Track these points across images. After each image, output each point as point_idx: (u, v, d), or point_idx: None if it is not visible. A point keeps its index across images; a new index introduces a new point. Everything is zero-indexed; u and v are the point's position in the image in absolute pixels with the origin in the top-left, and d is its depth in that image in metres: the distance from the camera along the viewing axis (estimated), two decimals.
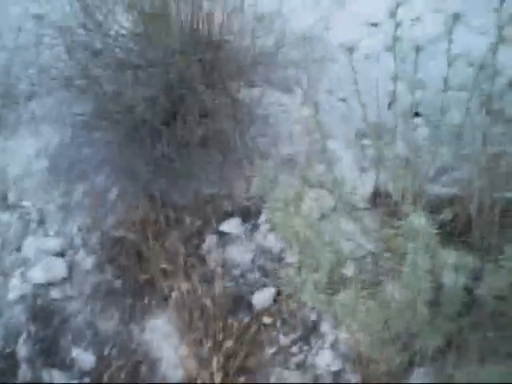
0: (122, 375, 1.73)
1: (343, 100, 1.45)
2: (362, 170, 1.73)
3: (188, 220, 1.97)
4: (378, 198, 1.70)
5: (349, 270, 1.50)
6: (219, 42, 1.96)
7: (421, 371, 1.46)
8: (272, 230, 1.44)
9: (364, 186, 1.70)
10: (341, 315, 1.30)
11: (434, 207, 1.63)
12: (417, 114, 1.71)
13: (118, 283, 1.93)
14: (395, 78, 1.35)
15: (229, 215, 1.96)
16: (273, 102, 1.98)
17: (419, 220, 1.03)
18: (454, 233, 1.57)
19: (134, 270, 1.92)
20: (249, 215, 1.91)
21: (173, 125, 1.88)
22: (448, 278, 1.47)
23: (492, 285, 1.20)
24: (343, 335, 1.57)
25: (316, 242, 1.45)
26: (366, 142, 1.66)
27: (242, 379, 1.64)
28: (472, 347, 1.38)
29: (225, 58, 1.96)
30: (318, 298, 1.38)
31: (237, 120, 1.86)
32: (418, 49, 1.38)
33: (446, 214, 1.61)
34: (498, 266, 1.22)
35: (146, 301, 1.88)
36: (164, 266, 1.86)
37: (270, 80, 2.01)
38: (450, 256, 1.46)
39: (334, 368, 1.59)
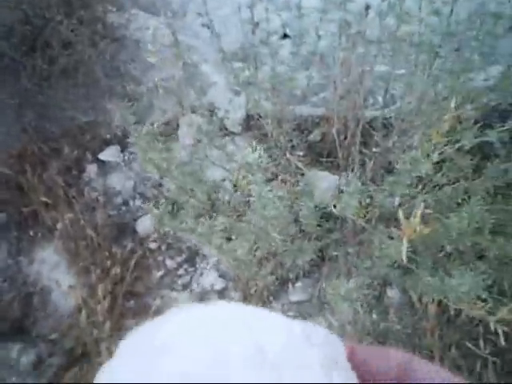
0: (15, 306, 1.75)
1: (210, 24, 1.42)
2: (235, 93, 1.74)
3: (66, 150, 1.93)
4: (250, 121, 1.72)
5: (220, 196, 1.54)
6: None
7: (297, 285, 1.56)
8: (145, 161, 1.44)
9: (236, 110, 1.72)
10: (215, 239, 1.35)
11: (303, 128, 1.68)
12: (285, 36, 1.72)
13: (2, 217, 1.90)
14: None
15: (107, 143, 1.94)
16: (142, 26, 1.92)
17: (253, 155, 1.05)
18: (323, 153, 1.63)
19: (16, 204, 1.89)
20: (127, 143, 1.89)
21: (33, 57, 1.79)
22: (318, 199, 1.55)
23: (350, 204, 1.26)
24: (222, 257, 1.64)
25: (188, 169, 1.47)
26: (237, 65, 1.66)
27: (130, 303, 1.69)
28: (340, 262, 1.49)
29: None
30: (196, 222, 1.43)
31: (101, 48, 1.79)
32: None
33: (315, 135, 1.67)
34: (357, 187, 1.29)
35: (31, 233, 1.87)
36: (44, 198, 1.83)
37: (139, 3, 1.94)
38: (316, 177, 1.54)
39: (218, 287, 1.67)
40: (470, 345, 1.45)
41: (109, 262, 1.74)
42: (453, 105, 1.12)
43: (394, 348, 0.37)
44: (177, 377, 0.28)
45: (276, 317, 0.33)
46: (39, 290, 1.80)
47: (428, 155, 1.22)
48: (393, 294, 1.51)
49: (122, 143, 1.91)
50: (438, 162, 1.35)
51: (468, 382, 0.35)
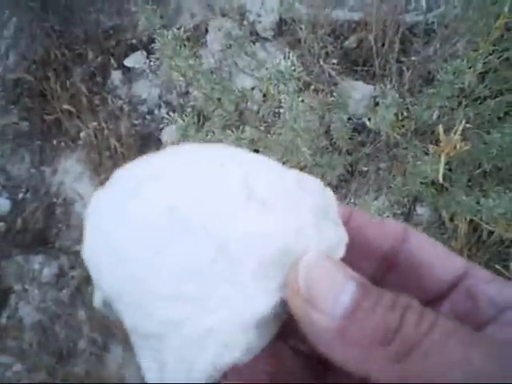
0: (38, 217, 1.75)
1: None
2: None
3: (90, 55, 1.86)
4: (282, 26, 1.62)
5: (249, 106, 1.48)
6: None
7: None
8: (171, 68, 1.37)
9: (268, 14, 1.62)
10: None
11: (338, 34, 1.58)
12: None
13: (24, 126, 1.87)
14: None
15: (133, 49, 1.86)
16: None
17: (285, 62, 0.98)
18: (359, 61, 1.54)
19: (39, 112, 1.85)
20: (153, 49, 1.81)
21: None
22: (351, 110, 1.48)
23: (386, 117, 1.20)
24: None
25: (216, 77, 1.41)
26: None
27: None
28: (370, 178, 1.44)
29: None
30: (222, 133, 1.39)
31: None
32: None
33: (351, 42, 1.57)
34: (395, 98, 1.22)
35: (54, 142, 1.84)
36: (68, 106, 1.79)
37: None
38: (350, 87, 1.46)
39: None
40: (499, 266, 1.41)
41: None
42: (506, 9, 1.02)
43: (391, 219, 0.35)
44: (162, 201, 0.28)
45: (271, 162, 0.32)
46: (62, 200, 1.79)
47: (472, 65, 1.14)
48: (423, 211, 1.46)
49: (148, 49, 1.82)
50: (481, 73, 1.27)
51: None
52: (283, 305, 0.28)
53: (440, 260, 0.33)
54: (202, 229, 0.27)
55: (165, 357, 0.27)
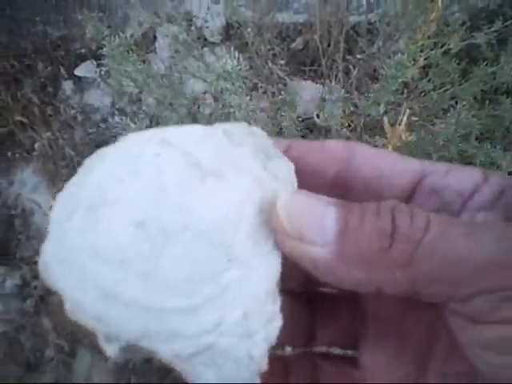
0: None
1: None
2: (213, 0, 1.65)
3: (40, 66, 1.85)
4: (230, 30, 1.65)
5: (201, 109, 1.49)
6: None
7: None
8: (120, 75, 1.37)
9: (215, 19, 1.64)
10: None
11: (285, 36, 1.61)
12: None
13: None
14: None
15: (82, 58, 1.85)
16: None
17: (232, 62, 1.00)
18: (306, 62, 1.57)
19: None
20: (102, 57, 1.81)
21: None
22: (301, 109, 1.50)
23: (333, 113, 1.22)
24: None
25: (167, 82, 1.42)
26: None
27: None
28: None
29: None
30: None
31: None
32: None
33: (297, 43, 1.60)
34: (341, 94, 1.25)
35: (9, 154, 1.82)
36: (20, 118, 1.77)
37: None
38: (299, 87, 1.49)
39: None
40: None
41: None
42: (439, 3, 1.06)
43: (333, 141, 0.33)
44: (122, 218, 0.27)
45: (196, 128, 0.31)
46: (20, 212, 1.77)
47: (414, 59, 1.18)
48: None
49: (98, 58, 1.82)
50: (424, 67, 1.31)
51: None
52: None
53: (393, 168, 0.32)
54: (182, 229, 0.27)
55: (221, 362, 0.27)
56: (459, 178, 0.31)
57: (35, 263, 1.48)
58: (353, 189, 0.32)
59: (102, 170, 0.29)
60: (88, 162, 0.31)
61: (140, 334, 0.26)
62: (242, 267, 0.27)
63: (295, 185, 0.30)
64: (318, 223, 0.27)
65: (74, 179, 0.30)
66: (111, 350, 0.28)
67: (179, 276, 0.26)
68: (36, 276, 1.62)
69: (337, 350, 0.36)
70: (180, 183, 0.28)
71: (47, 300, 1.58)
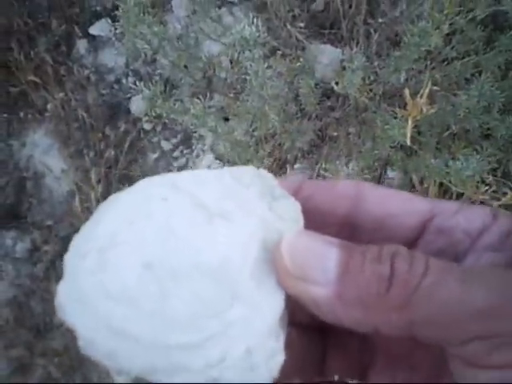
0: (8, 192, 1.72)
1: None
2: None
3: (54, 24, 1.81)
4: None
5: (217, 73, 1.46)
6: None
7: (296, 167, 1.52)
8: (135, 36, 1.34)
9: None
10: (211, 120, 1.29)
11: None
12: None
13: None
14: None
15: (97, 16, 1.81)
16: None
17: (250, 28, 0.97)
18: (326, 25, 1.53)
19: (3, 84, 1.80)
20: (118, 16, 1.77)
21: None
22: (319, 75, 1.46)
23: (353, 81, 1.19)
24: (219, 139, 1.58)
25: (182, 44, 1.38)
26: None
27: (125, 187, 1.65)
28: (340, 143, 1.44)
29: None
30: (193, 102, 1.36)
31: None
32: None
33: (318, 4, 1.55)
34: (361, 62, 1.21)
35: (21, 115, 1.80)
36: (33, 78, 1.75)
37: None
38: (317, 51, 1.45)
39: (214, 167, 1.63)
40: None
41: (102, 145, 1.69)
42: None
43: (343, 180, 0.34)
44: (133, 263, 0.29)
45: (205, 172, 0.33)
46: (32, 174, 1.76)
47: (438, 26, 1.13)
48: (393, 175, 1.47)
49: (113, 16, 1.78)
50: (447, 34, 1.26)
51: None
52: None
53: (402, 207, 0.33)
54: (189, 269, 0.28)
55: None
56: (468, 218, 0.32)
57: (46, 227, 1.49)
58: (362, 228, 0.33)
59: (114, 213, 0.31)
60: (101, 207, 0.32)
61: (148, 369, 0.28)
62: (246, 305, 0.28)
63: (301, 223, 0.31)
64: (320, 264, 0.28)
65: (89, 223, 0.32)
66: (122, 381, 0.29)
67: (185, 313, 0.28)
68: (47, 241, 1.63)
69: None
70: (187, 225, 0.29)
71: (57, 265, 1.59)
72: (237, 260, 0.29)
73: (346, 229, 0.33)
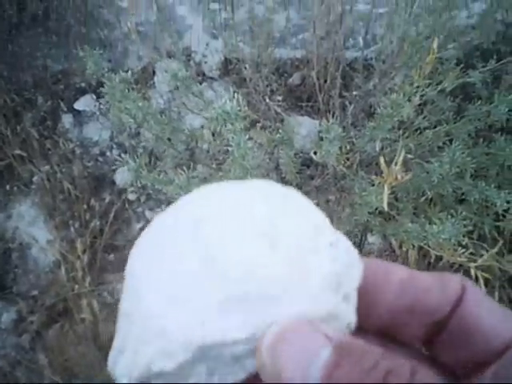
0: None
1: None
2: (212, 36, 1.68)
3: (40, 100, 1.87)
4: (228, 65, 1.67)
5: (199, 145, 1.50)
6: None
7: None
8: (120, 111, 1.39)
9: (213, 54, 1.66)
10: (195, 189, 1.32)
11: (282, 72, 1.63)
12: None
13: None
14: None
15: (82, 92, 1.87)
16: None
17: (231, 103, 1.02)
18: (303, 98, 1.59)
19: None
20: (102, 92, 1.82)
21: (0, 3, 1.72)
22: (298, 146, 1.51)
23: (330, 151, 1.23)
24: None
25: (166, 118, 1.43)
26: (213, 6, 1.59)
27: (110, 257, 1.67)
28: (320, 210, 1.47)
29: None
30: (177, 173, 1.40)
31: None
32: None
33: (295, 79, 1.62)
34: (338, 133, 1.26)
35: (7, 187, 1.83)
36: (19, 151, 1.78)
37: None
38: (296, 123, 1.50)
39: None
40: None
41: (87, 215, 1.72)
42: (435, 45, 1.08)
43: (398, 264, 0.33)
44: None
45: (304, 201, 0.33)
46: (18, 245, 1.77)
47: (409, 98, 1.19)
48: (373, 240, 1.50)
49: (97, 92, 1.84)
50: (419, 105, 1.32)
51: None
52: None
53: (494, 326, 0.30)
54: (239, 273, 0.27)
55: None
56: None
57: (32, 297, 1.48)
58: (451, 328, 0.32)
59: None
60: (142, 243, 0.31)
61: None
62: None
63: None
64: (302, 371, 0.25)
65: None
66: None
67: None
68: (32, 311, 1.62)
69: None
70: (250, 240, 0.28)
71: (43, 335, 1.58)
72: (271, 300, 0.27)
73: (436, 328, 0.32)
